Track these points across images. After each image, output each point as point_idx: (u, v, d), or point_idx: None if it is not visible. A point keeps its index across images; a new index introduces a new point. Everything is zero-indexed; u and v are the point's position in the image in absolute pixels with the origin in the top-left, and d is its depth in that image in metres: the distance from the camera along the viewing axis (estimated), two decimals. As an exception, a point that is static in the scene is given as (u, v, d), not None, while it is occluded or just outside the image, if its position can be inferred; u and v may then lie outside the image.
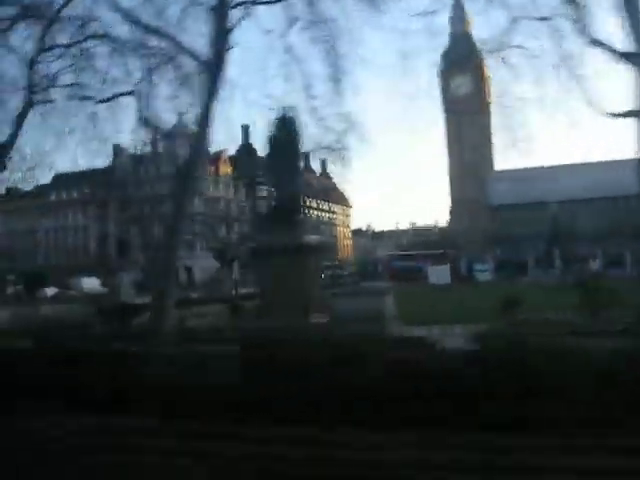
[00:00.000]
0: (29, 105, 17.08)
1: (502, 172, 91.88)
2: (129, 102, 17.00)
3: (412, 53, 15.37)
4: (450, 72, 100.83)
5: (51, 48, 17.10)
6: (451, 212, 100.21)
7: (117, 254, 30.34)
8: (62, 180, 76.29)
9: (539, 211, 76.10)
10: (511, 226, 79.82)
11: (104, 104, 17.22)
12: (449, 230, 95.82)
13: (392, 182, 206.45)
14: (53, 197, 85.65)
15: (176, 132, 15.01)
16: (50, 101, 17.88)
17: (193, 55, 13.90)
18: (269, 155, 9.77)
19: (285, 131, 9.66)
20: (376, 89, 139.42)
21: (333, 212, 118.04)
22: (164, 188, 67.57)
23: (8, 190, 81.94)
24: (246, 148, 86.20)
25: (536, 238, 67.19)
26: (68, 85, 17.68)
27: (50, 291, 45.85)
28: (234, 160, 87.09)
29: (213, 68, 13.61)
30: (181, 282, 62.64)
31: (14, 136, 17.03)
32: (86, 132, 17.35)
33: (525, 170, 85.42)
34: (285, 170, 9.50)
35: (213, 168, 76.04)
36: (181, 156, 15.55)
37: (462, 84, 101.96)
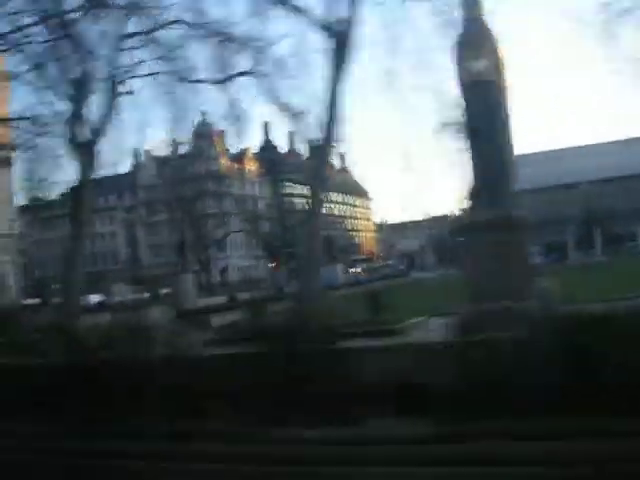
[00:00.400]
0: (114, 96, 16.33)
1: (525, 156, 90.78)
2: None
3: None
4: (465, 58, 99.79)
5: (130, 36, 16.37)
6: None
7: (177, 256, 29.69)
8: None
9: (567, 193, 74.94)
10: (539, 209, 78.54)
11: (188, 91, 16.55)
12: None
13: (400, 174, 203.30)
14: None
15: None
16: (131, 92, 17.19)
17: (325, 28, 12.88)
18: (469, 122, 8.84)
19: (482, 96, 8.72)
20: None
21: (354, 205, 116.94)
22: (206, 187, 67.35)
23: (32, 199, 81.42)
24: (268, 145, 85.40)
25: (567, 220, 65.99)
26: (151, 74, 17.05)
27: (94, 298, 45.12)
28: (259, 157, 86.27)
29: (343, 42, 12.64)
30: (216, 282, 62.10)
31: (102, 129, 16.25)
32: (175, 120, 16.78)
33: (548, 152, 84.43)
34: (488, 136, 8.56)
35: (238, 166, 75.33)
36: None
37: (478, 69, 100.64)
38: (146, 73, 16.82)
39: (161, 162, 70.46)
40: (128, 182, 74.14)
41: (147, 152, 69.04)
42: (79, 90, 15.40)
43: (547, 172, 79.83)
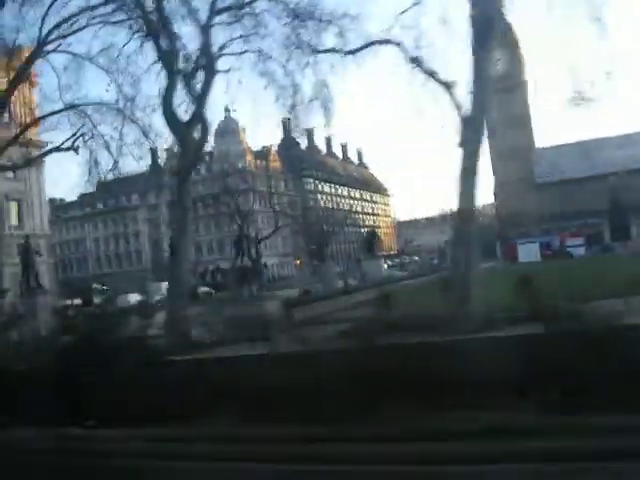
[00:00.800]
0: (211, 76, 15.45)
1: (546, 149, 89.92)
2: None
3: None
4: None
5: (223, 11, 15.49)
6: (496, 194, 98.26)
7: (236, 252, 28.79)
8: (106, 187, 74.87)
9: (589, 185, 74.23)
10: (563, 202, 77.99)
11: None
12: (497, 211, 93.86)
13: (410, 170, 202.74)
14: (100, 205, 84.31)
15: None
16: (227, 71, 16.32)
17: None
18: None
19: None
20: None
21: (374, 202, 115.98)
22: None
23: (51, 200, 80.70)
24: (288, 141, 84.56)
25: (592, 212, 65.22)
26: (243, 52, 16.19)
27: (133, 297, 44.25)
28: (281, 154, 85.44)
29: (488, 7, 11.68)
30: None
31: (201, 112, 15.37)
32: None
33: (568, 145, 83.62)
34: None
35: (264, 163, 74.69)
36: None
37: (498, 63, 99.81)
38: (238, 51, 15.90)
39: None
40: (151, 181, 73.21)
41: (168, 150, 67.91)
42: (172, 69, 14.58)
43: (568, 164, 79.36)
